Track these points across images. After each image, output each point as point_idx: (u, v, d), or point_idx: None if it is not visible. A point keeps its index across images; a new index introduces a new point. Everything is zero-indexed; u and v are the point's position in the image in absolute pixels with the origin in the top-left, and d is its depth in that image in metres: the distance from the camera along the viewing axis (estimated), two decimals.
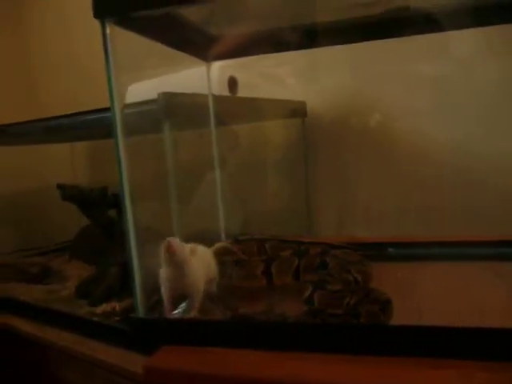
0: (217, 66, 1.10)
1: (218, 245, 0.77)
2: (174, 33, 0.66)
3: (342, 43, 0.79)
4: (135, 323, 0.59)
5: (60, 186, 1.04)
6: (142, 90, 0.88)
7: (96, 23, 0.58)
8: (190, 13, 0.65)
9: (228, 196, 0.93)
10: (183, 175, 0.84)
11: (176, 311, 0.61)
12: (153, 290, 0.71)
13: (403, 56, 1.08)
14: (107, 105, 0.65)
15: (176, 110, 0.81)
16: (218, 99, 0.87)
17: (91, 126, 0.90)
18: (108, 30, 0.57)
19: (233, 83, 1.11)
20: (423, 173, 1.13)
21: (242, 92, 1.12)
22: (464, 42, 0.97)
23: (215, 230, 0.86)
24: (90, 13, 0.57)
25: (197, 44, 0.74)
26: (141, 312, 0.59)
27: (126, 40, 0.59)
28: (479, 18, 0.73)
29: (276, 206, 1.10)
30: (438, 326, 0.50)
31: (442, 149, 1.11)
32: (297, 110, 1.16)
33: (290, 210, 1.12)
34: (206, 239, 0.89)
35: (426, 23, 0.69)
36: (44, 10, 1.61)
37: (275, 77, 1.14)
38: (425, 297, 0.64)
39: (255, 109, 1.03)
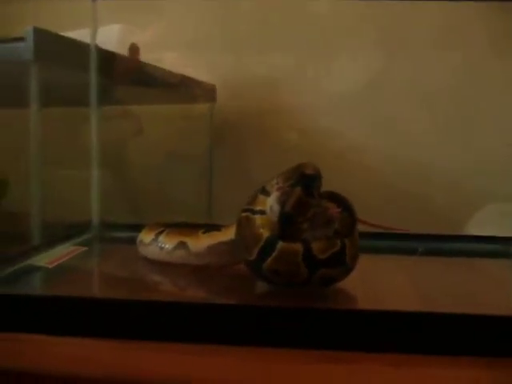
0: (117, 29, 0.96)
1: None
2: None
3: None
4: None
5: None
6: None
7: None
8: None
9: (109, 181, 0.79)
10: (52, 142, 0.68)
11: None
12: None
13: None
14: None
15: (51, 53, 0.64)
16: (108, 55, 0.71)
17: None
18: None
19: (134, 51, 0.97)
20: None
21: None
22: None
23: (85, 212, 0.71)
24: None
25: None
26: None
27: None
28: None
29: (174, 194, 0.97)
30: None
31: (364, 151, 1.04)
32: (206, 94, 1.03)
33: (189, 199, 0.99)
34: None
35: None
36: None
37: (185, 53, 1.02)
38: None
39: (159, 80, 0.89)
